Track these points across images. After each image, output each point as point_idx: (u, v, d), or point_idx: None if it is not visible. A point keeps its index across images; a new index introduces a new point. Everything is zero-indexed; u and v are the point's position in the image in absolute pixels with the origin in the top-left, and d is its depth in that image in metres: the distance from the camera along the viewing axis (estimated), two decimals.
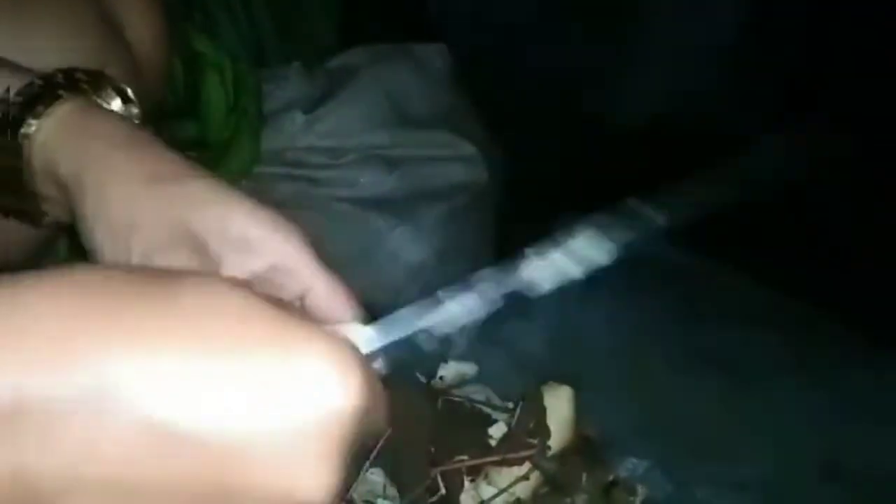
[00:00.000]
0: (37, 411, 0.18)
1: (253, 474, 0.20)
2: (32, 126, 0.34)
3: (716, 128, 1.27)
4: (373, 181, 0.83)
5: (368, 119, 0.84)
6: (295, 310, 0.25)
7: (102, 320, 0.19)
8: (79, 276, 0.21)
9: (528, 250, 0.30)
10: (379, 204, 0.82)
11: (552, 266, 0.30)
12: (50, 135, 0.34)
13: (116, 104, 0.38)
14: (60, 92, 0.35)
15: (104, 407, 0.19)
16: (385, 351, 0.28)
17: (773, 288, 0.88)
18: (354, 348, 0.22)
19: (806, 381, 0.76)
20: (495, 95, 1.02)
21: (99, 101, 0.37)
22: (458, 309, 0.29)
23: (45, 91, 0.35)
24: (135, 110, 0.39)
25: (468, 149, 0.87)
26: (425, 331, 0.28)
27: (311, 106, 0.84)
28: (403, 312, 0.29)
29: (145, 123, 0.39)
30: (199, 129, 0.76)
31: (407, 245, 0.81)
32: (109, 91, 0.38)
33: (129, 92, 0.39)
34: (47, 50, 0.43)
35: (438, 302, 0.29)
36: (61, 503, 0.19)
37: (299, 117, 0.83)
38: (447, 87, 0.92)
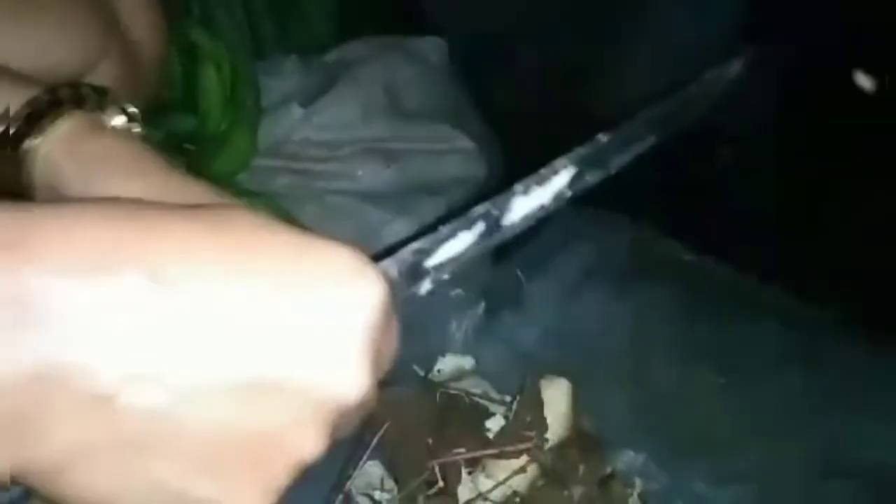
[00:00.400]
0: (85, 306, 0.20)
1: (291, 368, 0.22)
2: (36, 141, 0.33)
3: (714, 125, 1.27)
4: (370, 174, 0.83)
5: (366, 112, 0.84)
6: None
7: (146, 230, 0.22)
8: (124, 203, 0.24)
9: (515, 187, 0.31)
10: (376, 197, 0.82)
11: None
12: (55, 151, 0.34)
13: (120, 121, 0.38)
14: (65, 107, 0.35)
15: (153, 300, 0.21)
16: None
17: (772, 283, 0.88)
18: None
19: (805, 377, 0.76)
20: (493, 90, 1.02)
21: (104, 117, 0.37)
22: (456, 243, 0.31)
23: (50, 106, 0.35)
24: (137, 129, 0.39)
25: (466, 143, 0.87)
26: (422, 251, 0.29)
27: (309, 99, 0.84)
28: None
29: (152, 145, 0.39)
30: (196, 122, 0.76)
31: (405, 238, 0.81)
32: (115, 108, 0.38)
33: (134, 110, 0.38)
34: (44, 43, 0.43)
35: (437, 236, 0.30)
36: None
37: (297, 110, 0.83)
38: (445, 80, 0.92)
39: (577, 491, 0.55)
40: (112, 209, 0.22)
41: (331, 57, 0.91)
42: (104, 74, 0.46)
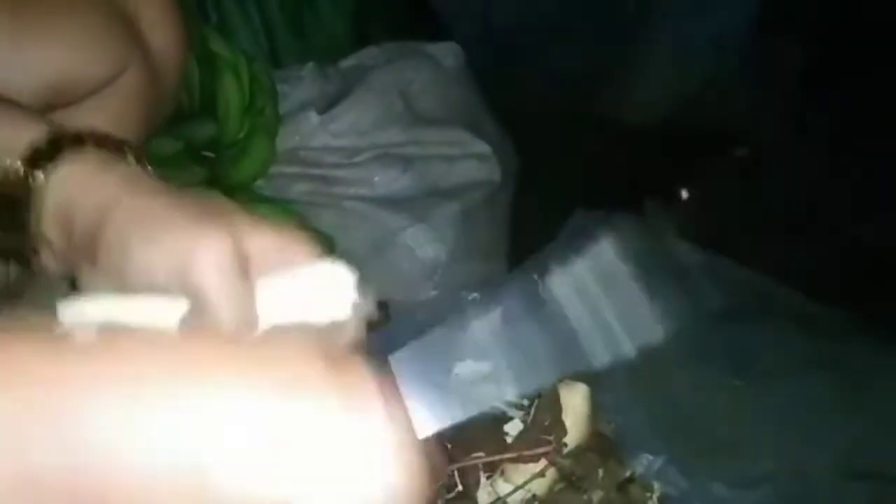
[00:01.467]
0: None
1: None
2: (51, 170, 0.34)
3: (727, 126, 1.27)
4: (387, 180, 0.84)
5: (382, 118, 0.85)
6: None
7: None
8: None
9: (550, 262, 0.30)
10: (393, 202, 0.83)
11: (574, 278, 0.30)
12: (68, 180, 0.34)
13: (131, 161, 0.38)
14: (81, 142, 0.35)
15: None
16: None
17: (791, 286, 0.87)
18: (411, 429, 0.23)
19: (825, 380, 0.76)
20: (508, 94, 1.02)
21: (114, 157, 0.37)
22: (484, 334, 0.29)
23: (65, 140, 0.35)
24: (149, 168, 0.39)
25: (482, 147, 0.88)
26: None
27: (326, 106, 0.85)
28: (431, 340, 0.29)
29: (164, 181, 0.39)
30: (216, 129, 0.77)
31: (421, 243, 0.81)
32: (125, 150, 0.38)
33: (143, 154, 0.38)
34: (70, 56, 0.44)
35: (463, 325, 0.29)
36: None
37: (314, 117, 0.83)
38: (460, 85, 0.92)
39: (597, 495, 0.55)
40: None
41: (347, 63, 0.92)
42: (127, 85, 0.47)
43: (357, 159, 0.84)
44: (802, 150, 1.25)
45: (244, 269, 0.31)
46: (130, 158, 0.37)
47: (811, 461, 0.69)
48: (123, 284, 0.31)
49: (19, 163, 0.34)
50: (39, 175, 0.34)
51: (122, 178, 0.34)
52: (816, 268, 0.95)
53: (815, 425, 0.72)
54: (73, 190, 0.34)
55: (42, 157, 0.34)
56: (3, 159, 0.34)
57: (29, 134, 0.35)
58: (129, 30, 0.46)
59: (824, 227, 1.12)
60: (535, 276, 0.86)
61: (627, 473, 0.58)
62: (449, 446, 0.60)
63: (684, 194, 1.22)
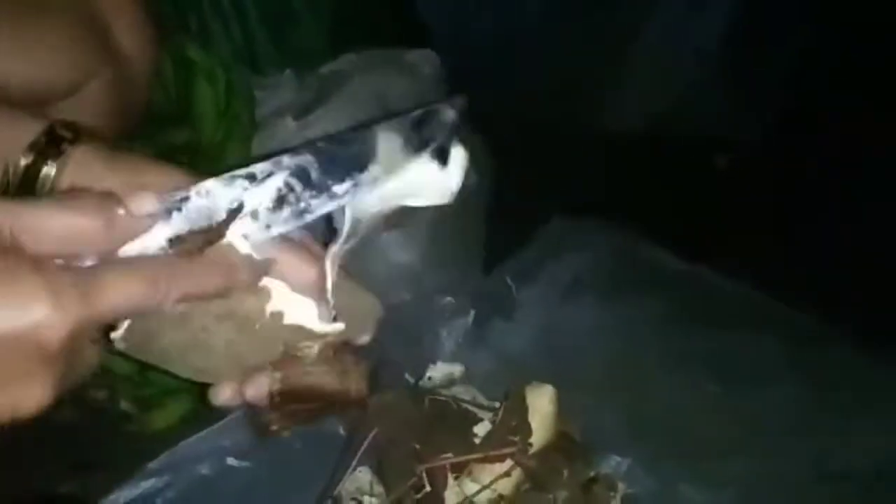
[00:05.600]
0: None
1: None
2: (51, 167, 0.35)
3: (709, 133, 1.28)
4: None
5: (358, 124, 0.86)
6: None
7: None
8: None
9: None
10: None
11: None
12: (79, 170, 0.36)
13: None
14: (79, 134, 0.36)
15: None
16: None
17: (761, 291, 0.89)
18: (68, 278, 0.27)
19: (796, 383, 0.77)
20: (485, 100, 1.03)
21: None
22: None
23: (65, 133, 0.36)
24: None
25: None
26: None
27: (303, 112, 0.86)
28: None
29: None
30: (191, 134, 0.77)
31: (395, 247, 0.82)
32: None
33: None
34: (40, 63, 0.44)
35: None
36: None
37: (290, 123, 0.84)
38: (437, 92, 0.93)
39: (561, 495, 0.56)
40: None
41: (325, 70, 0.93)
42: (97, 91, 0.48)
43: None
44: (783, 157, 1.27)
45: None
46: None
47: (780, 463, 0.70)
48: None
49: (23, 159, 0.35)
50: (47, 169, 0.35)
51: (128, 165, 0.36)
52: (794, 274, 0.96)
53: (785, 428, 0.73)
54: (81, 180, 0.35)
55: (47, 151, 0.35)
56: (5, 157, 0.35)
57: (29, 131, 0.36)
58: (99, 35, 0.47)
59: (803, 233, 1.13)
60: (508, 279, 0.87)
61: (592, 473, 0.58)
62: (418, 447, 0.61)
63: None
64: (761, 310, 0.87)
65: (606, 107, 1.28)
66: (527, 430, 0.58)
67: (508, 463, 0.57)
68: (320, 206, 0.35)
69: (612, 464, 0.64)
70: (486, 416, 0.64)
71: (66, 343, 0.27)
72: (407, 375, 0.73)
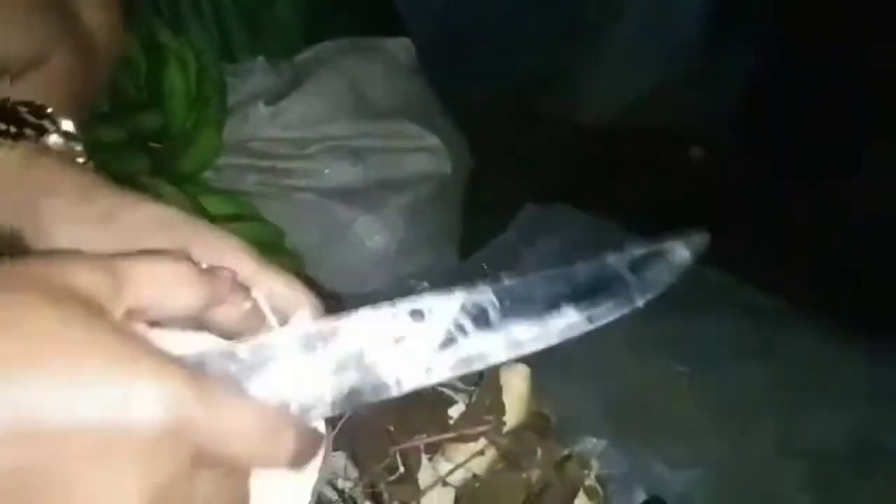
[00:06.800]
0: None
1: (57, 486, 0.20)
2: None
3: (683, 125, 1.30)
4: (337, 171, 0.84)
5: (332, 110, 0.86)
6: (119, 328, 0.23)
7: None
8: None
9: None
10: (343, 194, 0.83)
11: None
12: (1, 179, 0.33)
13: (56, 140, 0.38)
14: (8, 137, 0.34)
15: None
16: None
17: (732, 275, 0.90)
18: (177, 363, 0.22)
19: (763, 365, 0.78)
20: (460, 89, 1.03)
21: (41, 138, 0.36)
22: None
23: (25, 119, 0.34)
24: (78, 147, 0.38)
25: (432, 140, 0.89)
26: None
27: (275, 98, 0.85)
28: None
29: (89, 158, 0.38)
30: (162, 119, 0.77)
31: (371, 234, 0.82)
32: (51, 127, 0.36)
33: (71, 128, 0.37)
34: None
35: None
36: None
37: (263, 108, 0.84)
38: (412, 79, 0.93)
39: (535, 473, 0.56)
40: None
41: (299, 58, 0.92)
42: (58, 66, 0.47)
43: (307, 151, 0.84)
44: (753, 149, 1.29)
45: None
46: (56, 137, 0.37)
47: (748, 441, 0.72)
48: None
49: None
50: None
51: (52, 168, 0.33)
52: (760, 259, 0.97)
53: (753, 408, 0.74)
54: (2, 183, 0.32)
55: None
56: None
57: None
58: (59, 11, 0.46)
59: (769, 220, 1.15)
60: (483, 265, 0.87)
61: (565, 452, 0.59)
62: (391, 429, 0.61)
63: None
64: (727, 294, 0.89)
65: (581, 98, 1.29)
66: (500, 409, 0.58)
67: (482, 442, 0.57)
68: (495, 354, 0.28)
69: (588, 446, 0.64)
70: (461, 398, 0.64)
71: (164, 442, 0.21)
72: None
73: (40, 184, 0.33)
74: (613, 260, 0.30)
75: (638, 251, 0.30)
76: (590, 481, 0.58)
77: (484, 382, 0.61)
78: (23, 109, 0.36)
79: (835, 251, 1.00)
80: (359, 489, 0.60)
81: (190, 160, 0.77)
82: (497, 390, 0.59)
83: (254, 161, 0.83)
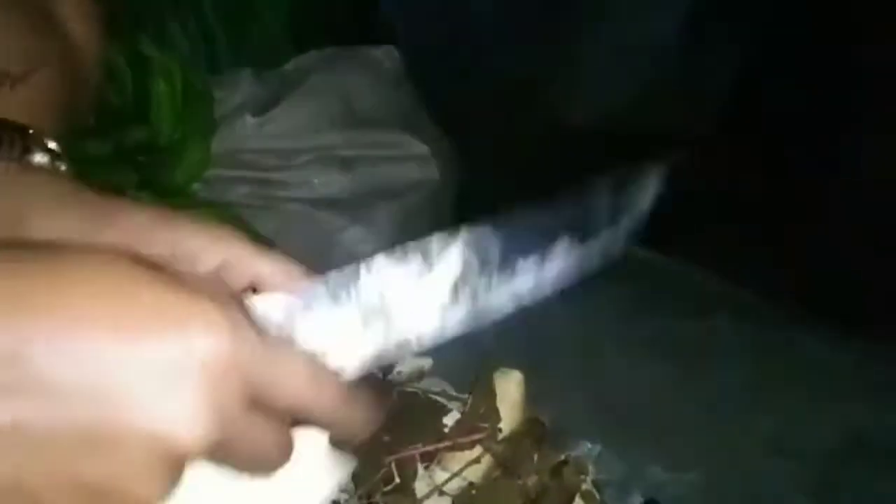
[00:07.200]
0: None
1: (124, 419, 0.21)
2: None
3: (668, 126, 1.30)
4: (326, 181, 0.84)
5: (320, 120, 0.85)
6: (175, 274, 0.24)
7: None
8: None
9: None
10: (332, 203, 0.83)
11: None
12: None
13: (41, 158, 0.36)
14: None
15: None
16: None
17: (722, 277, 0.90)
18: (233, 301, 0.24)
19: (755, 366, 0.79)
20: (448, 96, 1.04)
21: (26, 157, 0.36)
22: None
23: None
24: (63, 166, 0.37)
25: (420, 148, 0.89)
26: None
27: (262, 109, 0.85)
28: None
29: (75, 176, 0.38)
30: (149, 133, 0.76)
31: (361, 244, 0.82)
32: (36, 147, 0.36)
33: (55, 147, 0.37)
34: None
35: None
36: None
37: (249, 119, 0.84)
38: (398, 88, 0.94)
39: (531, 480, 0.56)
40: None
41: (286, 68, 0.92)
42: (42, 80, 0.46)
43: (295, 161, 0.84)
44: (740, 149, 1.30)
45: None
46: (42, 155, 0.36)
47: (737, 442, 0.72)
48: None
49: None
50: None
51: (36, 180, 0.33)
52: (747, 261, 0.98)
53: (741, 408, 0.74)
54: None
55: None
56: None
57: None
58: (42, 25, 0.46)
59: (762, 223, 1.16)
60: None
61: (561, 458, 0.59)
62: (387, 439, 0.61)
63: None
64: (716, 295, 0.89)
65: (567, 102, 1.29)
66: (495, 416, 0.58)
67: (478, 449, 0.57)
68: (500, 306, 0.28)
69: (584, 450, 0.64)
70: (456, 406, 0.64)
71: (232, 377, 0.22)
72: (374, 371, 0.73)
73: (29, 192, 0.33)
74: (596, 186, 0.32)
75: (615, 177, 0.32)
76: (586, 486, 0.58)
77: (477, 389, 0.61)
78: (7, 132, 0.36)
79: (826, 251, 1.01)
80: (355, 501, 0.60)
81: (178, 173, 0.77)
82: (491, 397, 0.59)
83: (242, 172, 0.83)
